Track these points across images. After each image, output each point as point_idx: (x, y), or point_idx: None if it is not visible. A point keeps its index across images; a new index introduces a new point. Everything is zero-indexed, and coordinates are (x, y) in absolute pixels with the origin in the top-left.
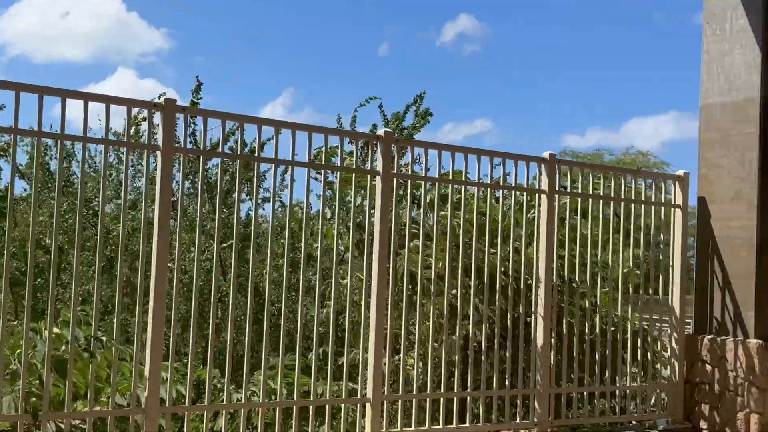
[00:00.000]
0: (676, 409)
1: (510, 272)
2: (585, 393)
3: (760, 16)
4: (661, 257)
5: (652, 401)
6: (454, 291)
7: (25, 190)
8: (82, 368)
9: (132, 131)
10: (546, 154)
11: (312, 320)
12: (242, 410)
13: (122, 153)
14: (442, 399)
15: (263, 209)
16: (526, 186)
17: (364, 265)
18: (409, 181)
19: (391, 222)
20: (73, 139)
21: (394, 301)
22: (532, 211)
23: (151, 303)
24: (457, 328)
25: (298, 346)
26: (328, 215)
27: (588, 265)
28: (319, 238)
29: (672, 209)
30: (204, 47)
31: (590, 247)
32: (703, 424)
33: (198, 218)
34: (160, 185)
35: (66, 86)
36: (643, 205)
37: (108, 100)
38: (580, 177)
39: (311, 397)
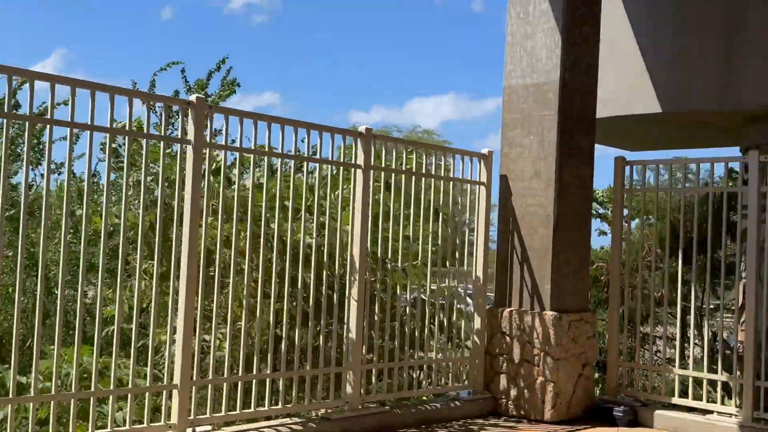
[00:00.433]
0: (477, 380)
1: (325, 249)
2: (396, 368)
3: (561, 0)
4: (465, 233)
5: (458, 373)
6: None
7: None
8: None
9: None
10: (362, 128)
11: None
12: (31, 404)
13: None
14: (254, 381)
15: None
16: (342, 161)
17: (173, 240)
18: (214, 151)
19: (203, 195)
20: None
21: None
22: (346, 186)
23: None
24: (271, 306)
25: (97, 333)
26: (131, 191)
27: (400, 241)
28: (104, 212)
29: (477, 186)
30: None
31: (403, 223)
32: (502, 394)
33: None
34: None
35: None
36: (452, 183)
37: None
38: (394, 153)
39: (111, 386)
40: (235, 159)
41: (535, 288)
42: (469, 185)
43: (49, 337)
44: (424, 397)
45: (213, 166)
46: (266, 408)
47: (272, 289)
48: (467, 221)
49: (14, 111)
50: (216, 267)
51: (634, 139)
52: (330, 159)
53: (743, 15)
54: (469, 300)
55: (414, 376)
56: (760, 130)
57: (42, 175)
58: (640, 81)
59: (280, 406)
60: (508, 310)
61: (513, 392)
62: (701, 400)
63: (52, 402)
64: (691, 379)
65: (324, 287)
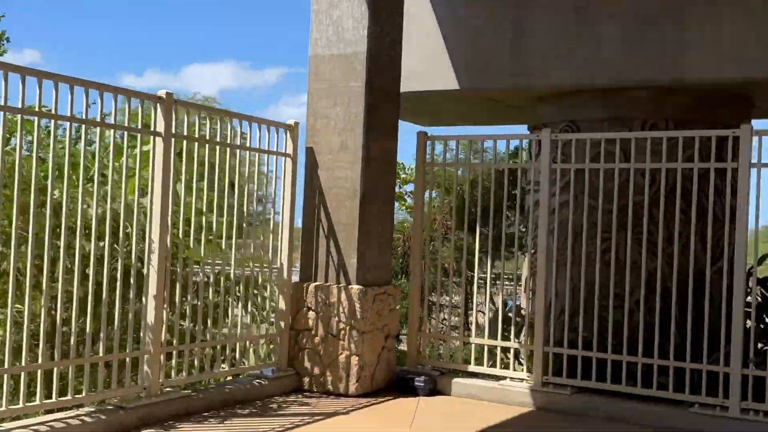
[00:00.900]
0: (281, 357)
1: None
2: (198, 349)
3: None
4: (271, 206)
5: (263, 351)
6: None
7: None
8: None
9: None
10: (162, 93)
11: None
12: None
13: None
14: (40, 372)
15: None
16: (140, 127)
17: None
18: None
19: None
20: None
21: None
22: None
23: None
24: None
25: None
26: None
27: (203, 216)
28: None
29: (283, 158)
30: None
31: (203, 196)
32: (308, 370)
33: None
34: None
35: None
36: (258, 154)
37: None
38: (197, 120)
39: None
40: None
41: (341, 262)
42: (275, 157)
43: None
44: (230, 377)
45: None
46: (54, 400)
47: (45, 267)
48: (274, 194)
49: None
50: None
51: (435, 115)
52: (126, 125)
53: None
54: (274, 275)
55: (217, 356)
56: (548, 110)
57: None
58: (440, 57)
59: (69, 396)
60: (314, 284)
61: (318, 368)
62: (496, 367)
63: None
64: (486, 347)
65: (120, 264)
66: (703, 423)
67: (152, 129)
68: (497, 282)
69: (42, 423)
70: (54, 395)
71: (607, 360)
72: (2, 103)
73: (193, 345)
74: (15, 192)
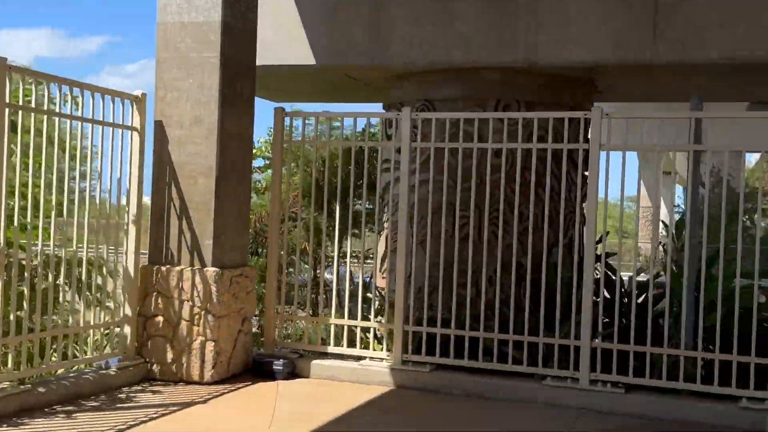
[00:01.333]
0: (128, 346)
1: None
2: (36, 340)
3: None
4: (116, 183)
5: (107, 340)
6: None
7: None
8: None
9: None
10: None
11: None
12: None
13: None
14: None
15: None
16: None
17: None
18: None
19: None
20: None
21: None
22: None
23: None
24: None
25: None
26: None
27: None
28: None
29: (129, 132)
30: None
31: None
32: (158, 358)
33: None
34: None
35: None
36: (102, 126)
37: None
38: (33, 89)
39: None
40: None
41: (195, 243)
42: (120, 130)
43: None
44: (74, 368)
45: None
46: None
47: None
48: (120, 171)
49: None
50: None
51: (289, 91)
52: None
53: None
54: (119, 257)
55: (56, 347)
56: (404, 89)
57: None
58: (296, 31)
59: None
60: (165, 267)
61: (170, 355)
62: (356, 347)
63: None
64: (346, 327)
65: None
66: (556, 394)
67: None
68: (351, 260)
69: None
70: None
71: (465, 337)
72: None
73: (19, 338)
74: None
